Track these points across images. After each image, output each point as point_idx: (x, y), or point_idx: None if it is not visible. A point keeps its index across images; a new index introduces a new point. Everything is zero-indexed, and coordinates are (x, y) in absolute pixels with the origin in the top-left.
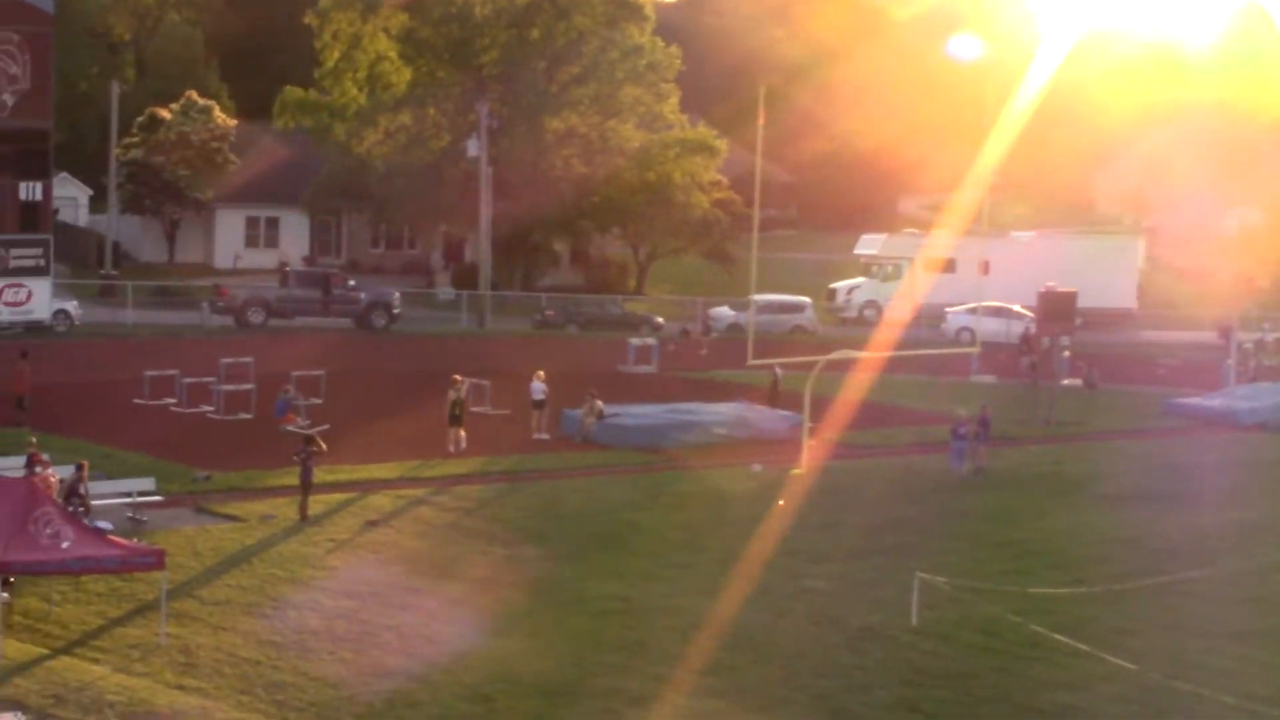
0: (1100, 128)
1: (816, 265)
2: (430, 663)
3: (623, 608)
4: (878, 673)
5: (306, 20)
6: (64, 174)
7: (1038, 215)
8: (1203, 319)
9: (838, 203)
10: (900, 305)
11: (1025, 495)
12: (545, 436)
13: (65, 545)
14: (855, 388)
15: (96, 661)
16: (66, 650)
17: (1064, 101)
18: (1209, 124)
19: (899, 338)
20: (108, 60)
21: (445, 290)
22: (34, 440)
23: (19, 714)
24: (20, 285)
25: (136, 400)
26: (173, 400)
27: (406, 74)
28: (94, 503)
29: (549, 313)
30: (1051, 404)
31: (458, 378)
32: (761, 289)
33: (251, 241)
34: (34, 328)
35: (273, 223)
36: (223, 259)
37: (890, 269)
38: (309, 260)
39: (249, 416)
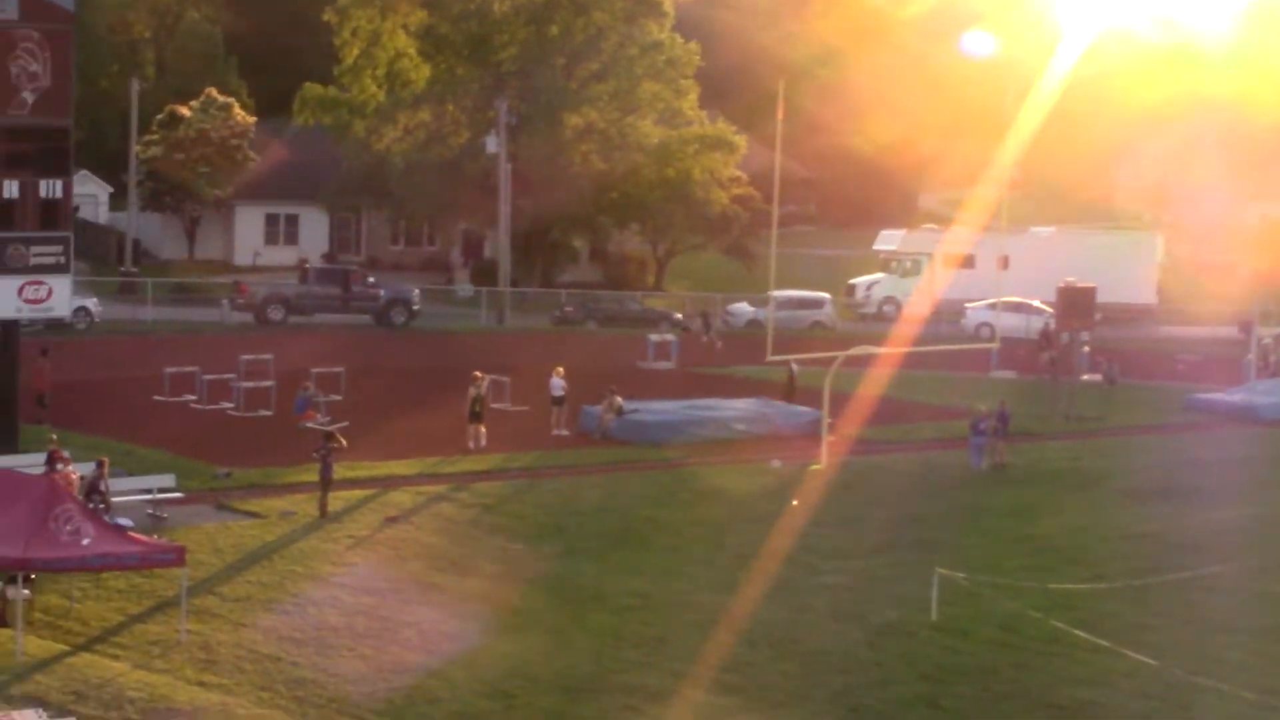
0: (1119, 123)
1: (835, 261)
2: (450, 659)
3: (642, 604)
4: (897, 669)
5: (326, 17)
6: (84, 171)
7: (1054, 211)
8: (1223, 314)
9: (857, 198)
10: (919, 301)
11: (1045, 491)
12: (564, 433)
13: (86, 542)
14: (874, 383)
15: (117, 658)
16: (87, 647)
17: (1083, 97)
18: (1228, 118)
19: (918, 333)
20: (128, 58)
21: (464, 287)
22: (54, 437)
23: (40, 710)
24: (40, 283)
25: (157, 397)
26: (193, 397)
27: (426, 71)
28: (114, 500)
29: (568, 309)
30: (1071, 399)
31: (478, 374)
32: (781, 285)
33: (271, 238)
34: (54, 325)
35: (292, 220)
36: (242, 256)
37: (909, 264)
38: (328, 257)
39: (269, 413)
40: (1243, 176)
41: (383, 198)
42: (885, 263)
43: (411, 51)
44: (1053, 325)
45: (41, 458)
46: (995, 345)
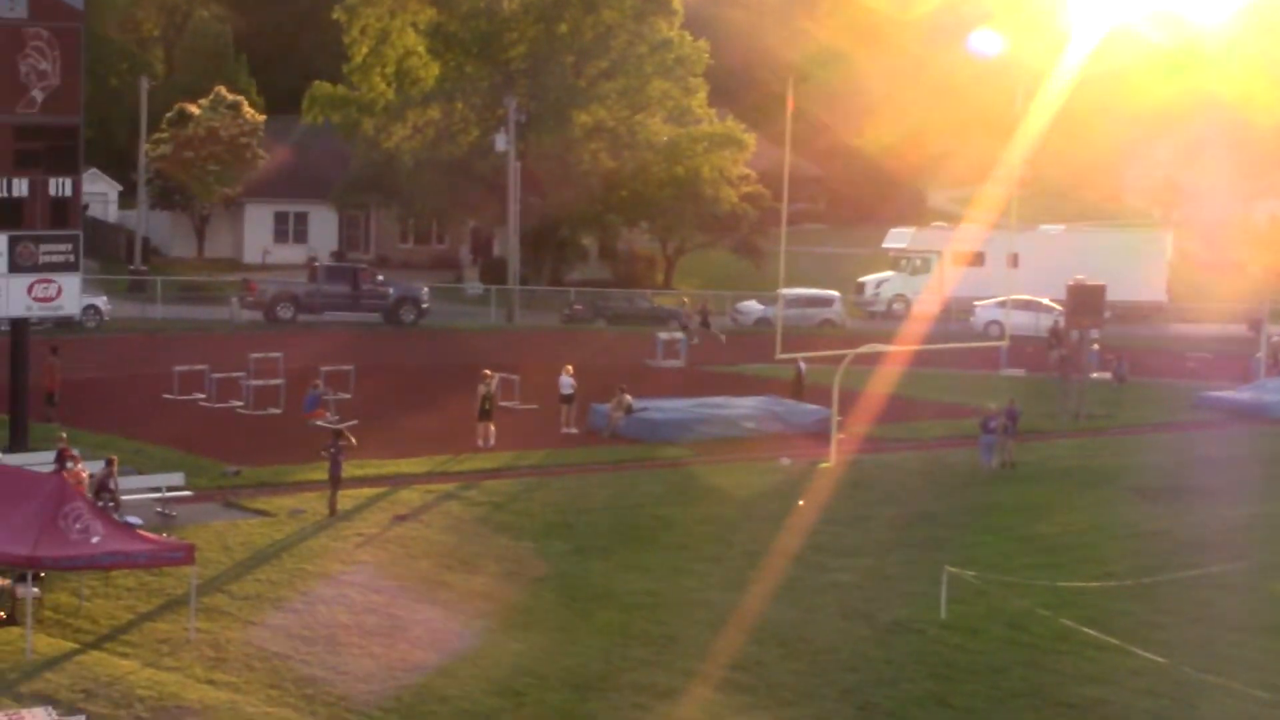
0: (1128, 121)
1: (845, 259)
2: (459, 657)
3: (651, 602)
4: (906, 667)
5: (335, 15)
6: (94, 170)
7: (1064, 208)
8: (1233, 312)
9: (866, 196)
10: (929, 299)
11: (1054, 489)
12: (573, 431)
13: (95, 540)
14: (884, 381)
15: (126, 656)
16: (96, 645)
17: (1091, 95)
18: (1237, 116)
19: (927, 331)
20: (137, 56)
21: (474, 285)
22: (64, 435)
23: (50, 708)
24: (50, 281)
25: (166, 395)
26: (202, 395)
27: (435, 69)
28: (124, 498)
29: (577, 307)
30: (1081, 397)
31: (488, 372)
32: (790, 283)
33: (280, 237)
34: (64, 323)
35: (301, 218)
36: (251, 254)
37: (919, 262)
38: (337, 255)
39: (278, 411)
40: (1252, 174)
41: (392, 196)
42: (894, 261)
43: (420, 49)
44: (1062, 323)
45: (51, 456)
46: (1004, 343)
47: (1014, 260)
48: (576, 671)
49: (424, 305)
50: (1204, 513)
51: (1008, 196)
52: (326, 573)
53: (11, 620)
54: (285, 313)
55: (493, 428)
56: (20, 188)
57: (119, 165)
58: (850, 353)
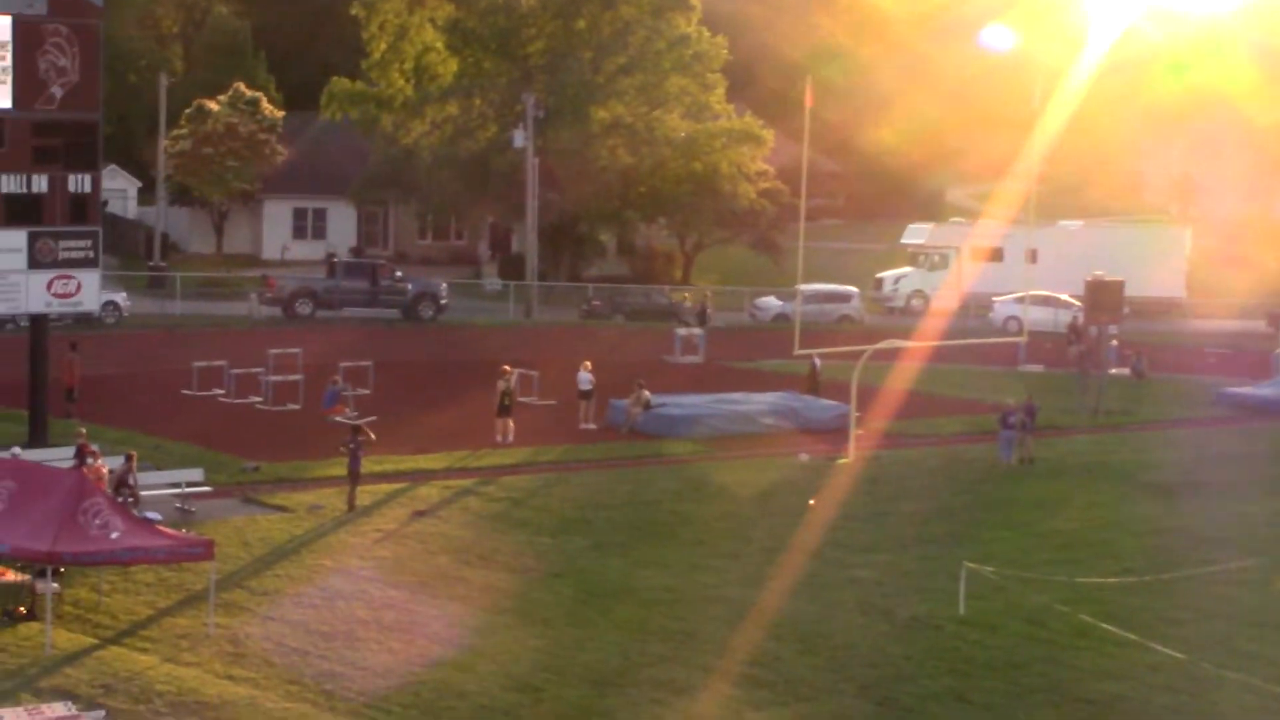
0: (1147, 116)
1: (863, 255)
2: (477, 652)
3: (670, 598)
4: (925, 663)
5: (353, 11)
6: (113, 166)
7: (1082, 204)
8: (1252, 307)
9: (884, 192)
10: (947, 294)
11: (1073, 484)
12: (592, 427)
13: (114, 536)
14: (902, 377)
15: (145, 651)
16: (116, 640)
17: (1110, 91)
18: (1255, 112)
19: (946, 327)
20: (156, 52)
21: (492, 281)
22: (83, 431)
23: (69, 703)
24: (69, 277)
25: (185, 391)
26: (221, 391)
27: (453, 65)
28: (143, 493)
29: (595, 303)
30: (1099, 393)
31: (507, 368)
32: (808, 278)
33: (299, 233)
34: (83, 319)
35: (320, 214)
36: (270, 250)
37: (937, 258)
38: (356, 251)
39: (297, 407)
40: (1270, 170)
41: (410, 192)
42: (913, 256)
43: (439, 45)
44: (1081, 319)
45: (71, 451)
46: (1023, 339)
47: (1033, 256)
48: (595, 667)
49: (442, 301)
50: (1222, 509)
51: (1026, 192)
52: (345, 568)
53: (31, 615)
54: (304, 308)
55: (511, 424)
56: (40, 184)
57: (138, 162)
58: (869, 348)
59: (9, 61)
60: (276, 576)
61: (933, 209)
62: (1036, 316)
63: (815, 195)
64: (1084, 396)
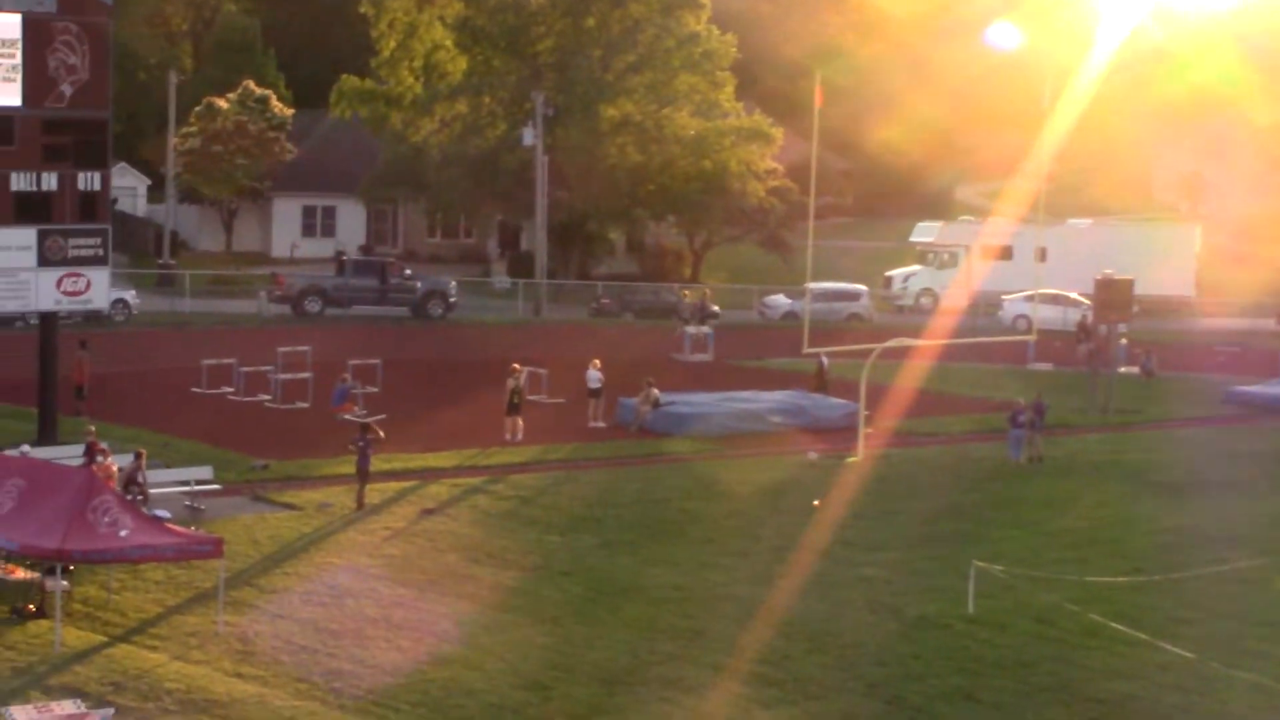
0: (1157, 114)
1: (872, 253)
2: (486, 650)
3: (679, 596)
4: (934, 661)
5: (363, 9)
6: (122, 164)
7: (1092, 202)
8: (1262, 306)
9: (894, 190)
10: (956, 293)
11: (1082, 483)
12: (601, 425)
13: (124, 533)
14: (911, 376)
15: (155, 649)
16: (125, 638)
17: (1119, 88)
18: (1265, 109)
19: (955, 325)
20: (165, 50)
21: (501, 279)
22: (93, 429)
23: (79, 701)
24: (79, 275)
25: (194, 389)
26: (230, 389)
27: (462, 63)
28: (152, 491)
29: (604, 301)
30: (1109, 392)
31: (516, 366)
32: (817, 277)
33: (308, 230)
34: (92, 317)
35: (329, 212)
36: (280, 248)
37: (946, 256)
38: (365, 249)
39: (306, 405)
40: None
41: (419, 190)
42: (922, 255)
43: (448, 43)
44: (1090, 317)
45: (80, 449)
46: (1032, 337)
47: (1042, 254)
48: (604, 665)
49: (451, 299)
50: (1232, 508)
51: (1035, 190)
52: (354, 566)
53: (41, 613)
54: (313, 306)
55: (521, 422)
56: (49, 182)
57: (147, 159)
58: (878, 347)
59: (19, 59)
60: (285, 574)
61: (942, 207)
62: (1046, 315)
63: (824, 193)
64: (1093, 395)
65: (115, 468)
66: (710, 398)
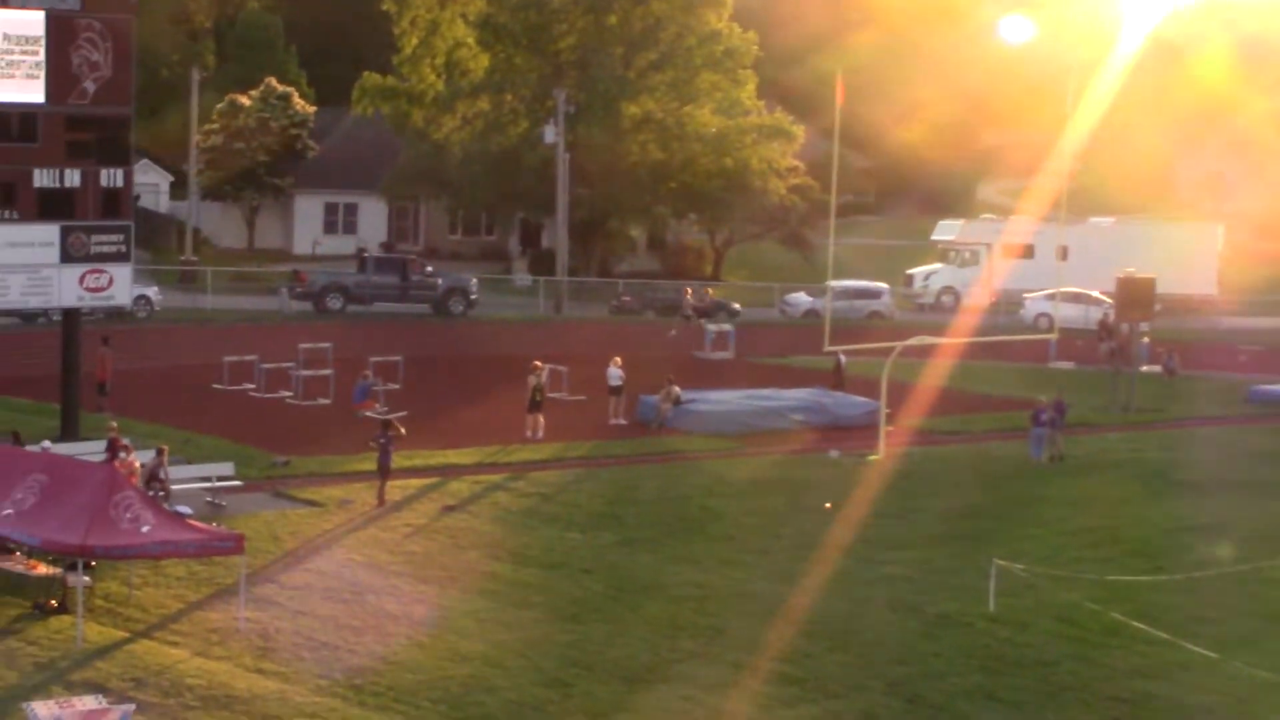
0: (1180, 112)
1: (894, 251)
2: (507, 647)
3: (699, 594)
4: (955, 660)
5: (385, 7)
6: (145, 160)
7: (1114, 201)
8: None
9: (915, 188)
10: (978, 291)
11: (1104, 482)
12: (622, 422)
13: (145, 529)
14: (932, 374)
15: (176, 645)
16: (146, 634)
17: (1143, 87)
18: None
19: (976, 324)
20: (188, 47)
21: (522, 276)
22: (115, 425)
23: (100, 697)
24: (101, 271)
25: (216, 385)
26: (252, 385)
27: (484, 60)
28: (174, 487)
29: (626, 298)
30: (1130, 390)
31: (538, 363)
32: (838, 275)
33: (330, 227)
34: (115, 313)
35: (351, 209)
36: (301, 245)
37: (968, 255)
38: (387, 246)
39: (327, 402)
40: None
41: (441, 187)
42: (943, 253)
43: (470, 41)
44: (1112, 316)
45: (102, 445)
46: (1054, 336)
47: (1064, 252)
48: (624, 663)
49: (472, 296)
50: (1254, 507)
51: (1057, 189)
52: (375, 563)
53: (63, 609)
54: (335, 303)
55: (542, 419)
56: (72, 178)
57: (170, 156)
58: (899, 345)
59: (42, 56)
60: (306, 571)
61: (963, 205)
62: (1067, 313)
63: (846, 191)
64: (1115, 394)
65: (137, 464)
66: (731, 395)
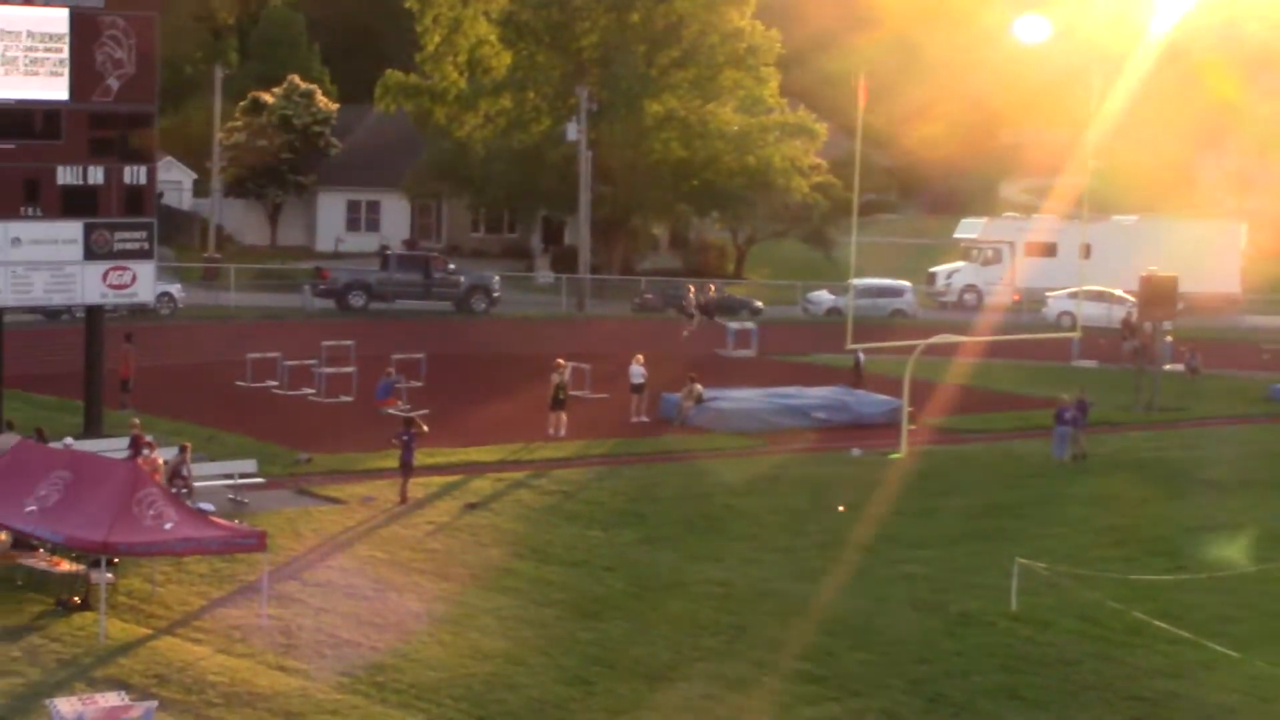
0: (1204, 110)
1: (916, 249)
2: (529, 645)
3: (721, 592)
4: (977, 659)
5: (408, 4)
6: (168, 158)
7: (1137, 199)
8: None
9: (938, 186)
10: (1000, 289)
11: (1127, 481)
12: (644, 420)
13: (168, 526)
14: (955, 372)
15: (198, 642)
16: (169, 631)
17: (1167, 84)
18: None
19: (999, 322)
20: (211, 45)
21: (544, 274)
22: (138, 422)
23: (123, 693)
24: (124, 268)
25: (239, 383)
26: (274, 383)
27: (507, 58)
28: (196, 484)
29: (648, 296)
30: (1153, 389)
31: (561, 361)
32: (861, 273)
33: (353, 225)
34: (138, 310)
35: (374, 206)
36: (324, 242)
37: (990, 253)
38: (409, 243)
39: (349, 399)
40: None
41: (463, 184)
42: (966, 251)
43: (493, 38)
44: (1135, 314)
45: (125, 442)
46: (1077, 334)
47: (1086, 251)
48: (646, 661)
49: (495, 294)
50: (1277, 506)
51: (1080, 187)
52: (397, 560)
53: (86, 605)
54: (357, 301)
55: (564, 417)
56: (95, 175)
57: (193, 154)
58: (921, 343)
59: (66, 54)
60: (329, 568)
61: (986, 203)
62: (1090, 312)
63: (868, 190)
64: (1138, 392)
65: (160, 461)
66: (753, 393)
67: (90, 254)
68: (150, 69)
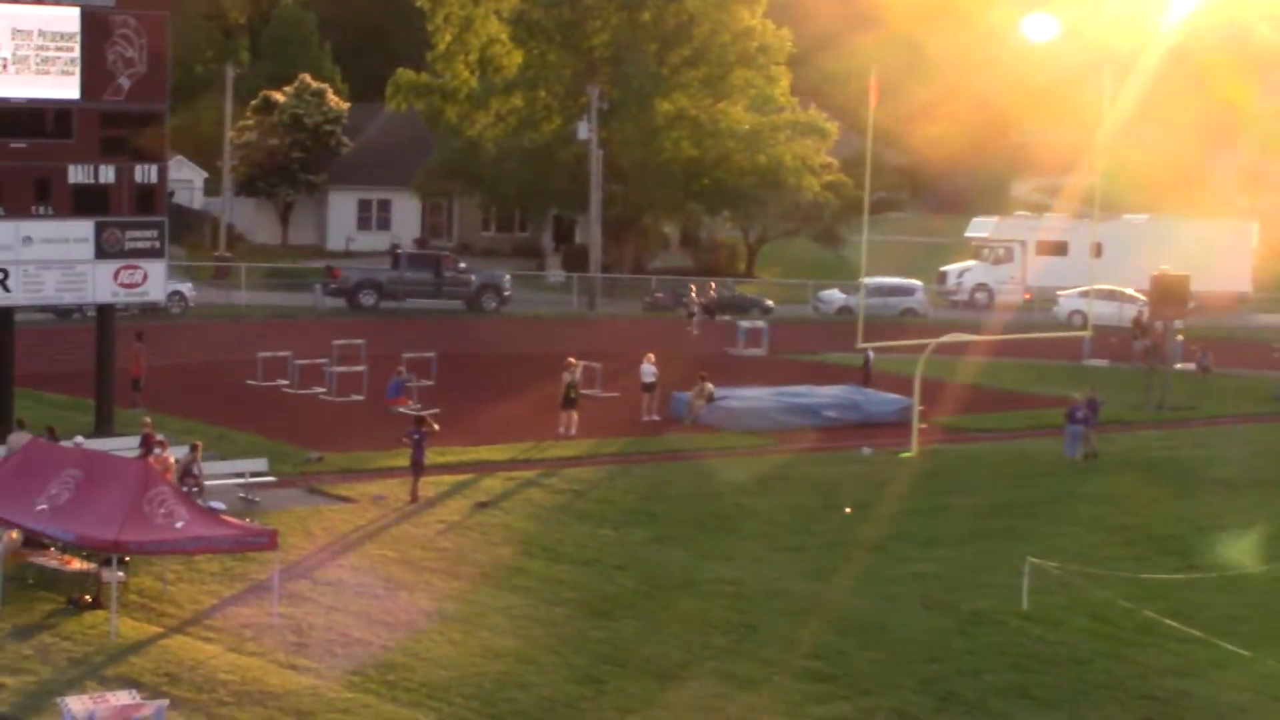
0: (1215, 109)
1: (927, 248)
2: (539, 644)
3: (732, 591)
4: (987, 657)
5: (419, 3)
6: (179, 157)
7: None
8: None
9: (950, 185)
10: (1011, 288)
11: (1138, 480)
12: (655, 419)
13: (179, 525)
14: (966, 371)
15: (209, 641)
16: (180, 629)
17: (1178, 83)
18: None
19: (1010, 321)
20: (223, 44)
21: (555, 273)
22: (149, 421)
23: (134, 692)
24: (136, 267)
25: (250, 381)
26: (285, 381)
27: (518, 57)
28: (207, 483)
29: (659, 295)
30: (1165, 388)
31: (572, 360)
32: (872, 272)
33: (364, 224)
34: (149, 309)
35: (385, 205)
36: (335, 241)
37: (1001, 252)
38: (420, 242)
39: (360, 398)
40: None
41: (474, 183)
42: (977, 250)
43: (504, 37)
44: (1146, 313)
45: (136, 441)
46: (1088, 333)
47: (1097, 250)
48: (657, 660)
49: (506, 293)
50: None
51: (1091, 185)
52: (408, 559)
53: (97, 604)
54: (368, 299)
55: (575, 415)
56: (107, 174)
57: (205, 152)
58: (932, 342)
59: (77, 53)
60: (340, 567)
61: (997, 202)
62: (1101, 311)
63: (879, 188)
64: (1149, 391)
65: (171, 459)
66: (764, 392)
67: (101, 253)
68: (161, 68)
